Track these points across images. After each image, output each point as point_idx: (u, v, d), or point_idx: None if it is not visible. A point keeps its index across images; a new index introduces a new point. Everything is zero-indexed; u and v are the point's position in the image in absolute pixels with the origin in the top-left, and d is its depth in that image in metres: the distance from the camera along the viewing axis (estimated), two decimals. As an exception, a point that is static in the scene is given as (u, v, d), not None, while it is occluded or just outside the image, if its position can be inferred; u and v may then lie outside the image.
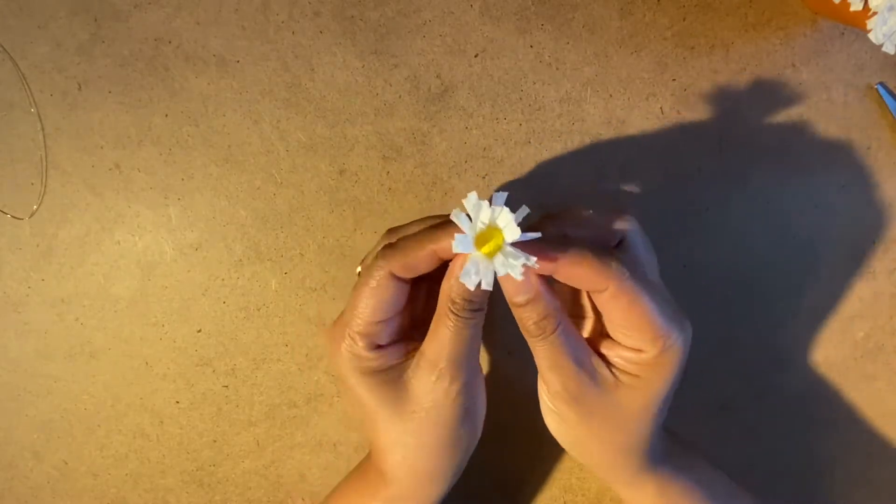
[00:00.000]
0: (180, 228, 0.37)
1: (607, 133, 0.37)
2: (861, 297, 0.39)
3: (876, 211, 0.38)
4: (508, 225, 0.24)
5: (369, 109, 0.36)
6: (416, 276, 0.28)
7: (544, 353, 0.28)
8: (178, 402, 0.39)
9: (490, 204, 0.24)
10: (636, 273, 0.26)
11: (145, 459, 0.39)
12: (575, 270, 0.25)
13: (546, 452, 0.40)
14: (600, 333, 0.29)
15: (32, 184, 0.36)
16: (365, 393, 0.29)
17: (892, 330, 0.39)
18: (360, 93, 0.36)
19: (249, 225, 0.37)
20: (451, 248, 0.25)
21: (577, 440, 0.30)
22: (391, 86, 0.36)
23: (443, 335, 0.27)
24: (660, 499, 0.31)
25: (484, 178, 0.37)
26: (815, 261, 0.38)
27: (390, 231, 0.30)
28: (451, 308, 0.27)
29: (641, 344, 0.27)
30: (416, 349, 0.29)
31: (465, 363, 0.28)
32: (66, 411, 0.38)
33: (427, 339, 0.28)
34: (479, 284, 0.24)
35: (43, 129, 0.36)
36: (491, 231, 0.24)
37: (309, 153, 0.36)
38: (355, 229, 0.37)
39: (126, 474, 0.39)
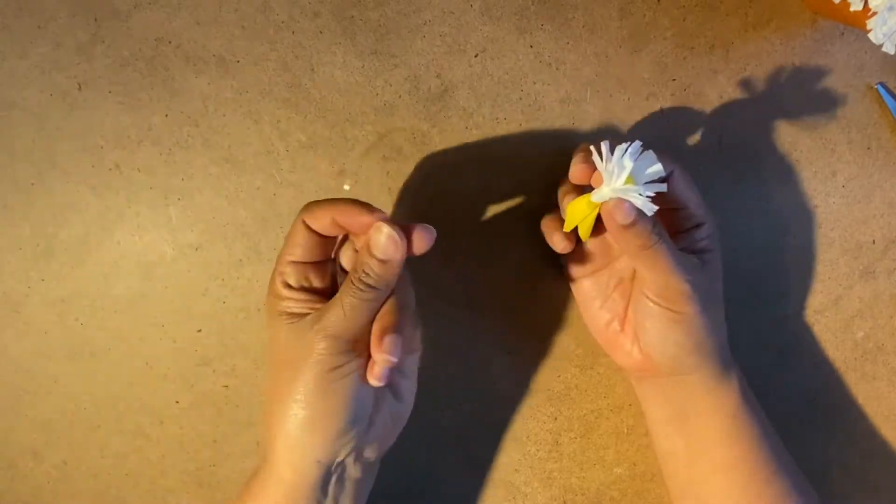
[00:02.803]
0: (180, 228, 0.37)
1: (607, 133, 0.37)
2: (861, 297, 0.39)
3: (876, 211, 0.38)
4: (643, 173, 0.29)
5: (369, 109, 0.36)
6: (323, 233, 0.31)
7: (661, 260, 0.30)
8: (178, 402, 0.39)
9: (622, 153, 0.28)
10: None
11: (145, 459, 0.39)
12: (665, 162, 0.31)
13: (546, 452, 0.40)
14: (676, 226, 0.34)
15: (33, 184, 0.36)
16: (272, 335, 0.31)
17: (892, 330, 0.39)
18: (360, 93, 0.36)
19: (249, 225, 0.37)
20: (343, 217, 0.29)
21: (691, 340, 0.32)
22: (391, 86, 0.36)
23: (344, 301, 0.29)
24: (741, 388, 0.34)
25: (484, 178, 0.37)
26: (815, 261, 0.39)
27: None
28: (353, 278, 0.29)
29: (702, 216, 0.33)
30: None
31: (340, 331, 0.29)
32: (66, 411, 0.38)
33: (330, 301, 0.30)
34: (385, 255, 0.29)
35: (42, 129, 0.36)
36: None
37: (309, 153, 0.36)
38: (355, 229, 0.37)
39: (126, 474, 0.39)
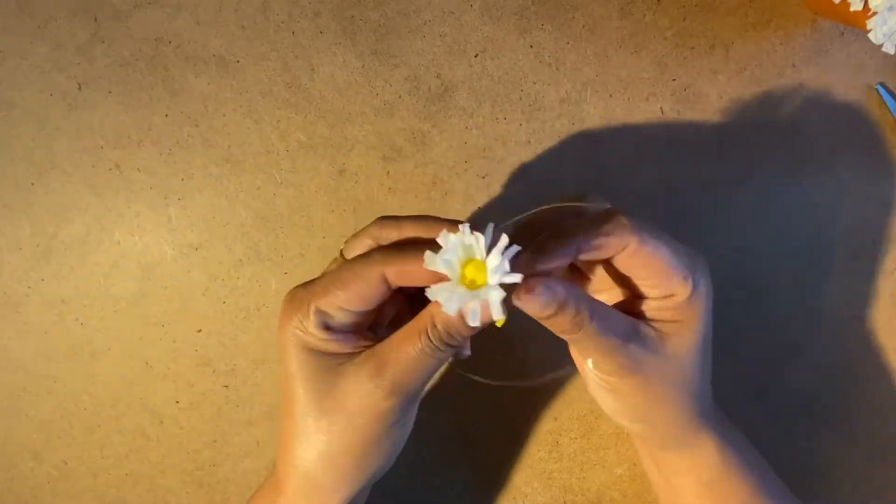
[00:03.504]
0: (180, 228, 0.37)
1: (607, 133, 0.37)
2: (861, 297, 0.39)
3: (876, 211, 0.38)
4: (496, 266, 0.23)
5: (369, 109, 0.36)
6: (407, 286, 0.27)
7: (587, 344, 0.27)
8: (178, 402, 0.39)
9: (472, 235, 0.23)
10: (645, 224, 0.27)
11: (145, 459, 0.39)
12: (596, 243, 0.26)
13: (546, 452, 0.40)
14: (628, 299, 0.30)
15: (33, 184, 0.36)
16: (296, 370, 0.27)
17: (893, 330, 0.39)
18: (360, 93, 0.36)
19: (249, 225, 0.37)
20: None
21: (637, 410, 0.29)
22: (391, 86, 0.36)
23: (406, 351, 0.26)
24: (718, 455, 0.31)
25: (484, 178, 0.37)
26: (815, 261, 0.38)
27: (383, 219, 0.29)
28: (430, 332, 0.26)
29: (671, 289, 0.27)
30: (365, 348, 0.28)
31: (408, 388, 0.27)
32: (66, 411, 0.38)
33: (385, 344, 0.27)
34: (463, 317, 0.24)
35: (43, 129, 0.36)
36: (474, 265, 0.24)
37: (309, 153, 0.36)
38: (355, 229, 0.37)
39: (126, 474, 0.39)
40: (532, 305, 0.25)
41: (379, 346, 0.27)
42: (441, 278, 0.24)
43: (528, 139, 0.37)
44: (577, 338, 0.27)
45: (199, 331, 0.38)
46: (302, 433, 0.28)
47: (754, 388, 0.38)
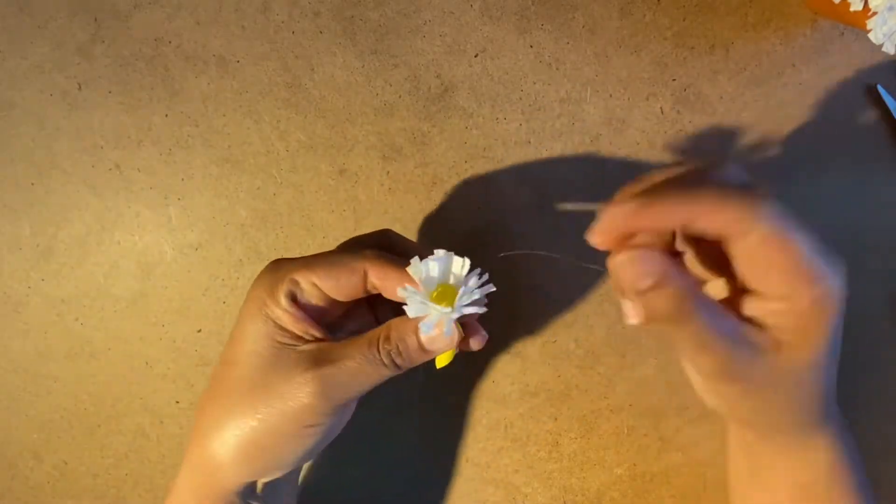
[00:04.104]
0: (180, 228, 0.37)
1: (607, 133, 0.37)
2: (861, 297, 0.39)
3: (876, 211, 0.38)
4: (467, 289, 0.25)
5: (369, 109, 0.36)
6: (371, 291, 0.27)
7: (688, 338, 0.23)
8: (178, 402, 0.39)
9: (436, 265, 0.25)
10: (783, 209, 0.22)
11: (145, 459, 0.39)
12: (716, 216, 0.22)
13: (546, 452, 0.40)
14: (736, 294, 0.25)
15: (33, 184, 0.36)
16: (245, 336, 0.27)
17: (893, 330, 0.39)
18: (360, 93, 0.36)
19: (249, 225, 0.37)
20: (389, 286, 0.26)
21: (744, 413, 0.26)
22: (391, 86, 0.36)
23: (350, 355, 0.26)
24: (826, 464, 0.28)
25: (484, 178, 0.37)
26: (815, 261, 0.38)
27: (387, 231, 0.30)
28: (381, 344, 0.26)
29: (793, 290, 0.22)
30: (316, 340, 0.27)
31: (340, 400, 0.26)
32: (66, 411, 0.38)
33: (335, 344, 0.27)
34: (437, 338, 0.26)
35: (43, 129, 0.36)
36: (449, 290, 0.25)
37: (309, 153, 0.36)
38: (355, 229, 0.37)
39: (126, 474, 0.39)
40: (627, 270, 0.22)
41: (327, 344, 0.27)
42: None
43: (528, 139, 0.37)
44: (677, 329, 0.23)
45: (199, 331, 0.38)
46: (223, 408, 0.27)
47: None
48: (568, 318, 0.39)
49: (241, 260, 0.37)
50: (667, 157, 0.37)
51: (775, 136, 0.37)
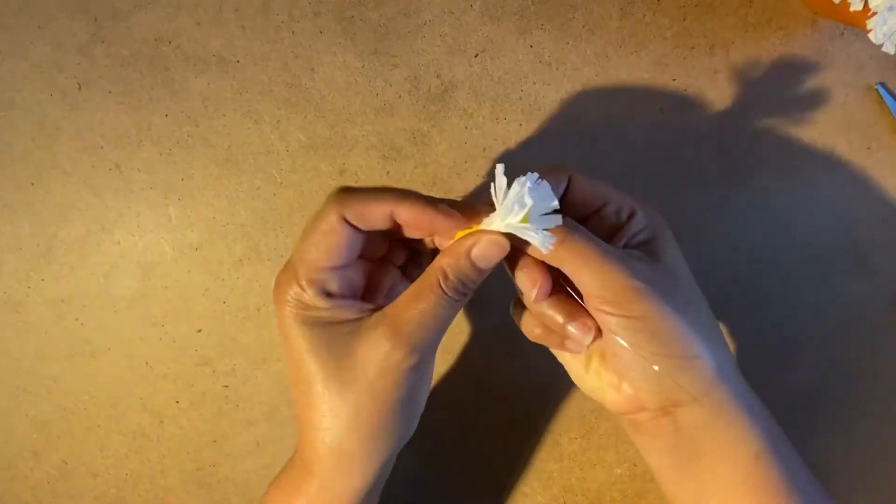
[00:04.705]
0: (180, 228, 0.37)
1: (607, 133, 0.37)
2: (861, 297, 0.39)
3: (876, 211, 0.38)
4: (537, 203, 0.25)
5: (369, 109, 0.36)
6: (369, 229, 0.27)
7: (585, 255, 0.26)
8: (178, 402, 0.39)
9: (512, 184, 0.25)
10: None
11: (145, 459, 0.39)
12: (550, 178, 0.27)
13: (546, 452, 0.40)
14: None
15: (33, 184, 0.36)
16: (305, 348, 0.27)
17: (893, 330, 0.39)
18: (360, 93, 0.36)
19: (249, 225, 0.37)
20: (408, 213, 0.26)
21: (667, 346, 0.26)
22: (391, 86, 0.36)
23: (420, 307, 0.26)
24: (765, 428, 0.27)
25: (484, 178, 0.37)
26: (815, 261, 0.38)
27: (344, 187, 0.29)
28: (442, 283, 0.26)
29: (628, 204, 0.28)
30: (372, 311, 0.27)
31: (427, 344, 0.27)
32: (66, 411, 0.38)
33: (397, 304, 0.27)
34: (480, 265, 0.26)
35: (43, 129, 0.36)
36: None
37: (309, 153, 0.36)
38: (355, 229, 0.37)
39: (126, 474, 0.39)
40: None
41: (389, 308, 0.27)
42: (405, 210, 0.26)
43: (528, 139, 0.37)
44: (567, 250, 0.25)
45: (199, 331, 0.38)
46: (326, 408, 0.27)
47: (754, 388, 0.38)
48: (568, 318, 0.39)
49: (241, 260, 0.37)
50: (667, 157, 0.37)
51: (775, 136, 0.37)
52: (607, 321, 0.27)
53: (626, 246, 0.28)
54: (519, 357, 0.39)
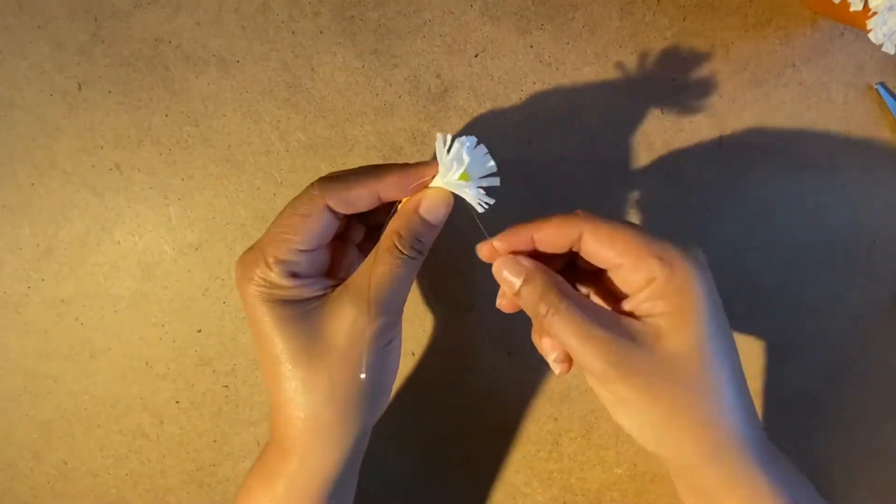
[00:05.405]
0: (180, 228, 0.37)
1: (607, 133, 0.37)
2: (861, 297, 0.39)
3: (876, 211, 0.38)
4: (475, 164, 0.27)
5: (369, 109, 0.36)
6: (353, 213, 0.28)
7: (567, 330, 0.25)
8: (178, 402, 0.39)
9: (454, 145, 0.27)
10: (600, 216, 0.27)
11: (145, 459, 0.39)
12: (547, 232, 0.27)
13: (546, 453, 0.40)
14: (611, 299, 0.28)
15: (33, 184, 0.36)
16: (272, 326, 0.27)
17: (893, 330, 0.39)
18: (360, 93, 0.36)
19: (249, 225, 0.37)
20: (393, 188, 0.27)
21: (651, 423, 0.26)
22: (391, 86, 0.36)
23: (380, 269, 0.27)
24: (775, 492, 0.26)
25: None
26: (814, 261, 0.38)
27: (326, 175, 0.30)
28: (398, 243, 0.27)
29: (648, 269, 0.25)
30: (333, 287, 0.28)
31: (391, 305, 0.27)
32: (66, 411, 0.38)
33: (357, 274, 0.27)
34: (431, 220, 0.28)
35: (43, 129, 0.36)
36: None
37: (309, 153, 0.36)
38: (355, 229, 0.37)
39: (126, 474, 0.39)
40: (500, 273, 0.28)
41: (350, 279, 0.28)
42: (390, 186, 0.28)
43: (528, 139, 0.37)
44: (553, 321, 0.26)
45: (199, 331, 0.38)
46: (299, 384, 0.27)
47: (754, 388, 0.38)
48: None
49: (241, 260, 0.37)
50: (667, 157, 0.37)
51: (775, 136, 0.37)
52: (594, 386, 0.28)
53: (633, 312, 0.26)
54: (519, 357, 0.39)
